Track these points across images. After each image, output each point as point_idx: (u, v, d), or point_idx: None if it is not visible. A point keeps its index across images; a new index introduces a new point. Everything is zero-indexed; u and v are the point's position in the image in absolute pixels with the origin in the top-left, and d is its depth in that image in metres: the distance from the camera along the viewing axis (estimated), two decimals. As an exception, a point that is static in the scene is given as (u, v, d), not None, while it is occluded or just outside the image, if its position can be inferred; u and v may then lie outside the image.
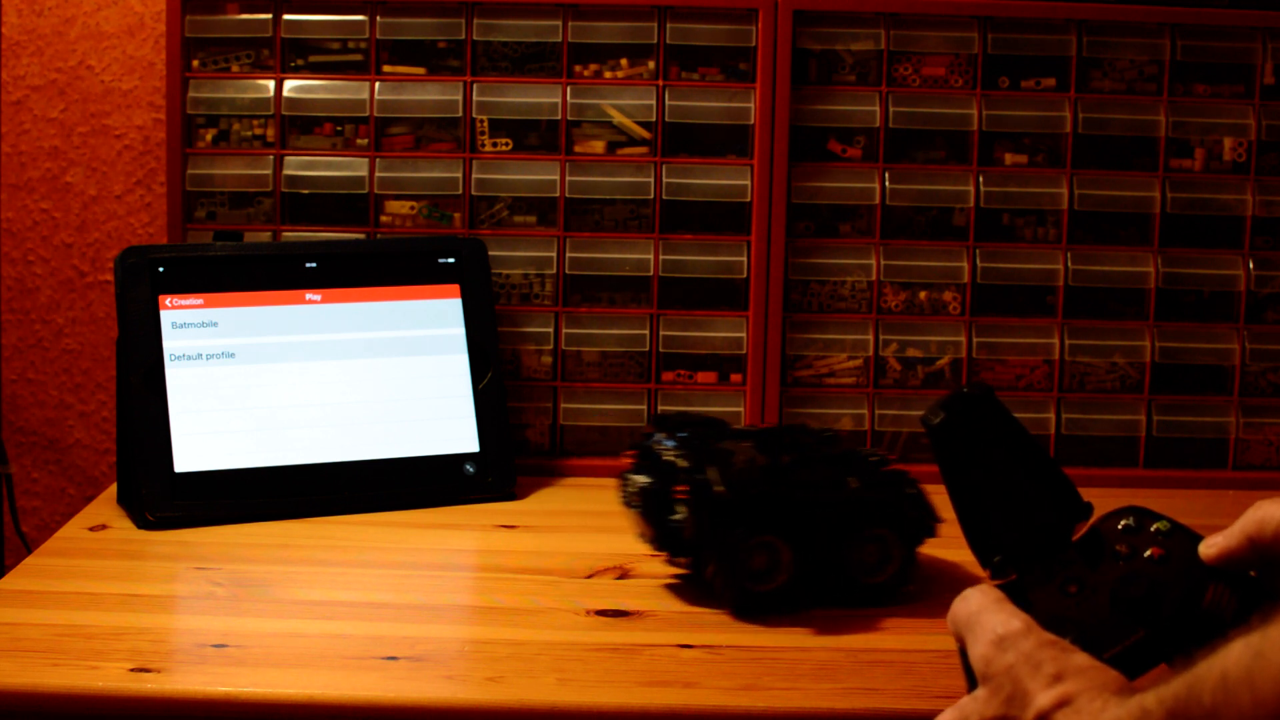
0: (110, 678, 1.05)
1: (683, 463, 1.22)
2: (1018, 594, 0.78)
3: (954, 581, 1.28)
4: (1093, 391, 1.66)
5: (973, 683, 0.76)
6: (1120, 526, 0.79)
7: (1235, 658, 0.61)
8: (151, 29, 1.70)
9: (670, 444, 1.26)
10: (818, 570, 1.21)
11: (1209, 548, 0.76)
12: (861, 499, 1.22)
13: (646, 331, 1.65)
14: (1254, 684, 0.60)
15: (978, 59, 1.63)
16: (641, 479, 1.25)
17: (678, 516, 1.20)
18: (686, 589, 1.26)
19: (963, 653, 0.78)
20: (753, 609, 1.20)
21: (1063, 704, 0.70)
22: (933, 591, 1.27)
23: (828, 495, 1.22)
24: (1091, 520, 0.81)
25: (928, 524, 1.24)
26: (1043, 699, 0.71)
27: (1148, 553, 0.77)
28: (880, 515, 1.23)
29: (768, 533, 1.19)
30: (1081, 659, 0.72)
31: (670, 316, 1.65)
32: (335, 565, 1.32)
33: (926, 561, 1.29)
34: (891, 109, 1.63)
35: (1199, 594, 0.75)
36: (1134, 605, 0.75)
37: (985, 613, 0.76)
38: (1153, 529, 0.78)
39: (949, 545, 1.34)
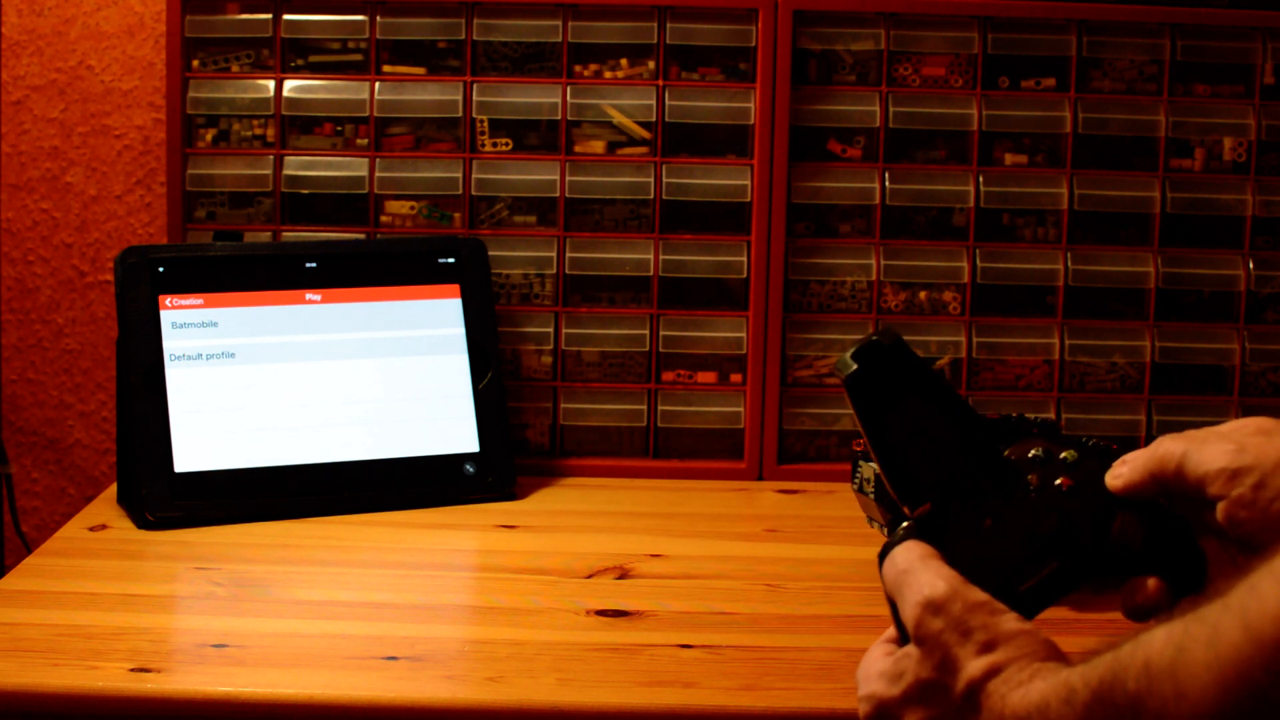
0: (110, 678, 1.05)
1: None
2: (936, 528, 0.79)
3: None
4: (1093, 391, 1.66)
5: (905, 638, 0.78)
6: (1030, 456, 0.81)
7: (1158, 648, 0.62)
8: (151, 29, 1.70)
9: None
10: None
11: (1114, 479, 0.79)
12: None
13: (646, 331, 1.65)
14: (1176, 678, 0.61)
15: (978, 59, 1.63)
16: (875, 467, 1.28)
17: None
18: (687, 589, 1.27)
19: (893, 608, 0.78)
20: None
21: (992, 673, 0.71)
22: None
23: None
24: (1004, 452, 0.82)
25: None
26: (972, 667, 0.71)
27: (1057, 482, 0.80)
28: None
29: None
30: (1009, 622, 0.73)
31: (670, 316, 1.65)
32: (335, 565, 1.32)
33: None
34: (891, 109, 1.63)
35: (1107, 525, 0.78)
36: (1046, 539, 0.78)
37: (912, 573, 0.76)
38: (1061, 457, 0.81)
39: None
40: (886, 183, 1.64)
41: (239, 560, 1.33)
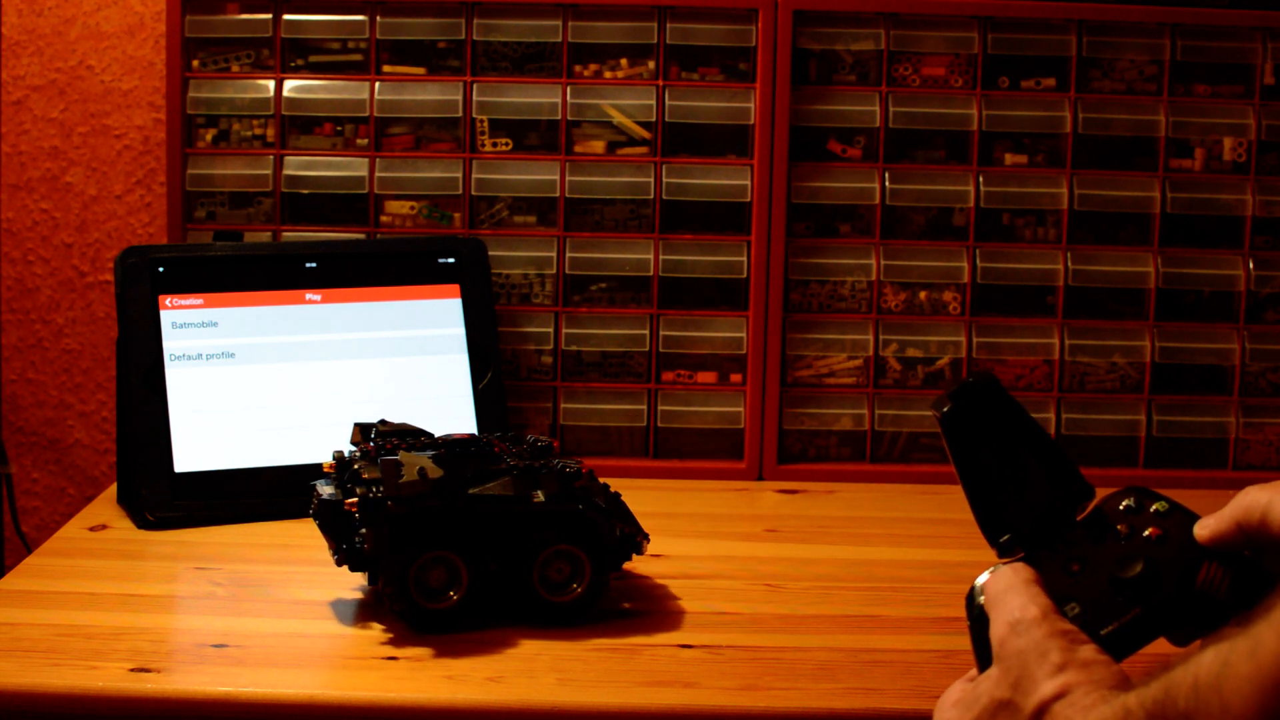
0: (110, 678, 1.05)
1: (367, 474, 1.16)
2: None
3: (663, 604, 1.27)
4: (1093, 391, 1.66)
5: (982, 659, 0.80)
6: (1121, 506, 0.82)
7: (1206, 665, 0.64)
8: (151, 29, 1.70)
9: (361, 455, 1.20)
10: (501, 587, 1.17)
11: (1202, 529, 0.79)
12: (545, 513, 1.16)
13: (646, 331, 1.65)
14: (1222, 692, 0.63)
15: (978, 59, 1.63)
16: (327, 490, 1.19)
17: (363, 531, 1.15)
18: (687, 589, 1.27)
19: (971, 629, 0.81)
20: (428, 627, 1.15)
21: (1061, 695, 0.73)
22: (660, 609, 1.23)
23: (504, 509, 1.16)
24: (1095, 500, 0.84)
25: (633, 540, 1.19)
26: (1045, 688, 0.73)
27: (1146, 532, 0.81)
28: (569, 530, 1.17)
29: (441, 548, 1.14)
30: (1087, 652, 0.75)
31: (670, 316, 1.65)
32: (335, 565, 1.32)
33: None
34: (891, 109, 1.63)
35: (1193, 574, 0.78)
36: (1131, 584, 0.79)
37: (1010, 593, 0.79)
38: (1152, 509, 0.82)
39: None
40: (886, 183, 1.64)
41: (239, 560, 1.33)
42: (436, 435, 1.24)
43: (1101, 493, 0.85)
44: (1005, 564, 0.81)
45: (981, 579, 0.81)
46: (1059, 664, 0.74)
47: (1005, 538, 0.83)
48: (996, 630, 0.77)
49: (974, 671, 0.81)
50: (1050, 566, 0.81)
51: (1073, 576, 0.80)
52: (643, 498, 1.57)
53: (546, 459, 1.23)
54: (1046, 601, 0.77)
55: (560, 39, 1.63)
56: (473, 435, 1.23)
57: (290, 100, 1.63)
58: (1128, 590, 0.78)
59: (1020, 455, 0.84)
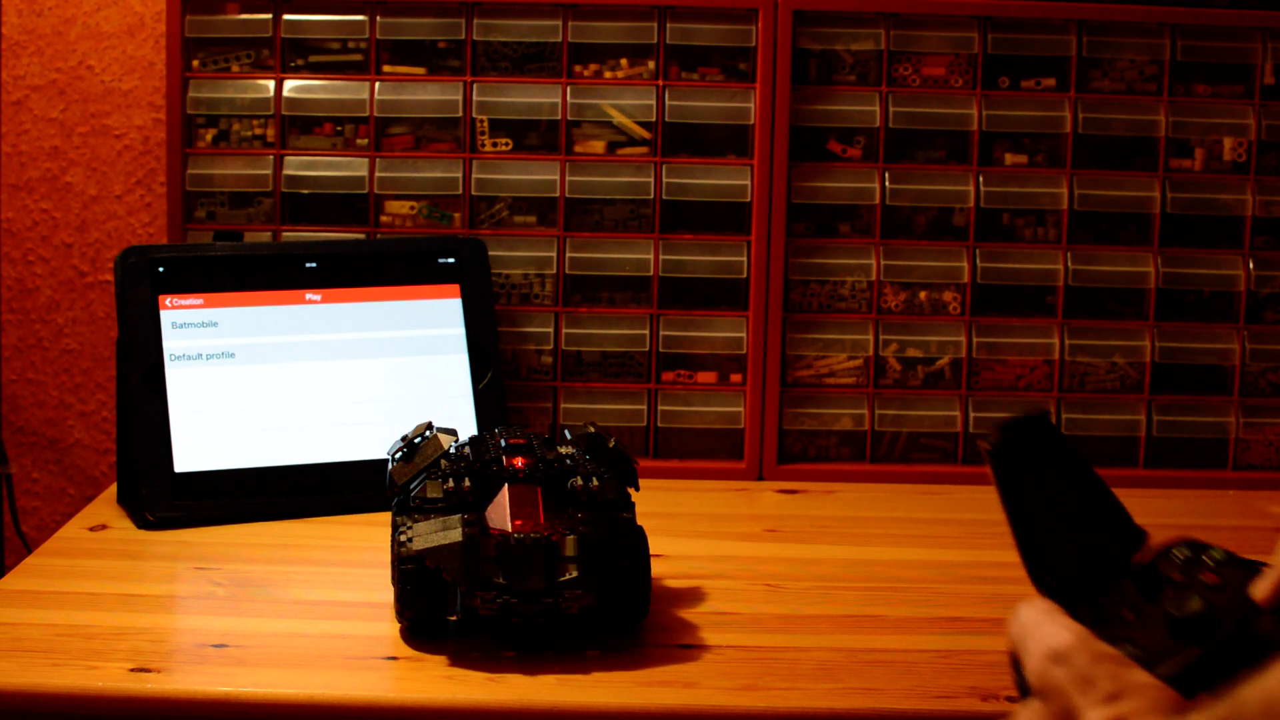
0: (110, 678, 1.05)
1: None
2: (1070, 614, 0.78)
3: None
4: (1093, 391, 1.66)
5: (1024, 690, 0.77)
6: (1176, 555, 0.80)
7: (1276, 680, 0.62)
8: (151, 29, 1.70)
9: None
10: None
11: (1259, 591, 0.76)
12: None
13: (646, 331, 1.65)
14: None
15: (978, 59, 1.63)
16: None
17: None
18: (687, 589, 1.27)
19: (1015, 668, 0.78)
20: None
21: None
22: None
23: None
24: (1145, 549, 0.81)
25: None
26: (1092, 717, 0.70)
27: (1202, 577, 0.78)
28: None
29: None
30: (1139, 675, 0.71)
31: (670, 316, 1.65)
32: (335, 565, 1.32)
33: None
34: (891, 109, 1.63)
35: (1252, 618, 0.75)
36: (1187, 623, 0.75)
37: (1039, 626, 0.75)
38: (1206, 557, 0.79)
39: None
40: (886, 183, 1.64)
41: (239, 560, 1.33)
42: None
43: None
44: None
45: None
46: (1111, 692, 0.70)
47: (1050, 581, 0.80)
48: (1032, 664, 0.74)
49: (1020, 709, 0.77)
50: (1100, 614, 0.78)
51: (1125, 623, 0.77)
52: (643, 498, 1.57)
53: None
54: (1078, 626, 0.74)
55: (560, 39, 1.63)
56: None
57: (290, 100, 1.63)
58: (1184, 630, 0.75)
59: (1068, 496, 0.81)
